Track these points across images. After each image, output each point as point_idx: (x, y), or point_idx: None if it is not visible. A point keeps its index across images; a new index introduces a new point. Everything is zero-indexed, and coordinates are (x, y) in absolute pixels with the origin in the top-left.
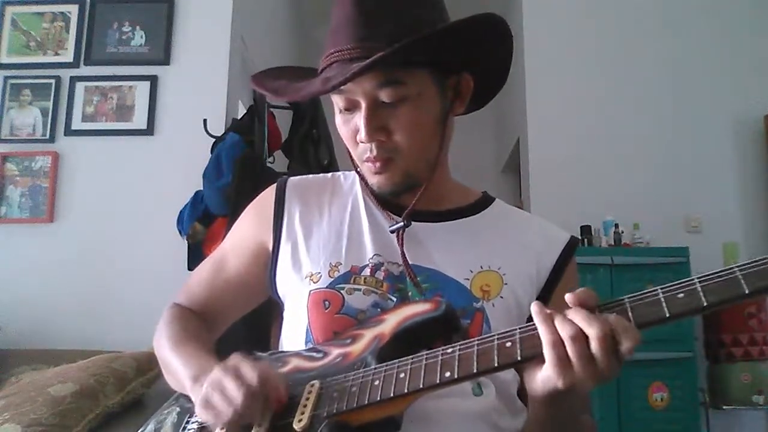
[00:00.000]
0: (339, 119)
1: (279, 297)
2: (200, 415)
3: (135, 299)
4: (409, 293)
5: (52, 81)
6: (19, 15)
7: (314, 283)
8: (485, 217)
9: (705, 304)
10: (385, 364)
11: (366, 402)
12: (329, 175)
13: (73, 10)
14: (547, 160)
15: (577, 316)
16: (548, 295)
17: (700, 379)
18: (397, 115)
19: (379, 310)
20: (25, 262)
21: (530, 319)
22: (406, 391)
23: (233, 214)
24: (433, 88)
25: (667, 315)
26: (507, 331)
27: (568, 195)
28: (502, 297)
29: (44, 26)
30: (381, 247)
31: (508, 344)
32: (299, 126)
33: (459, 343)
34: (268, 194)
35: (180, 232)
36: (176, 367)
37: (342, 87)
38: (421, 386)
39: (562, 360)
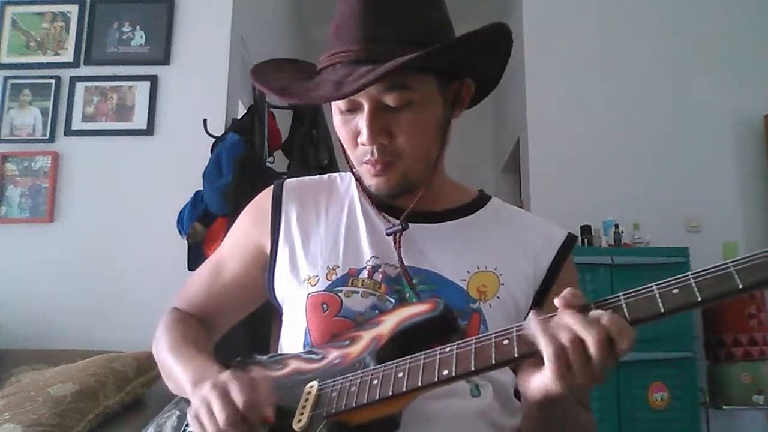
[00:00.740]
0: (338, 120)
1: (277, 300)
2: (191, 426)
3: (135, 299)
4: (407, 295)
5: (52, 81)
6: (19, 15)
7: (312, 286)
8: (481, 216)
9: (699, 299)
10: (383, 364)
11: (365, 401)
12: (325, 176)
13: (73, 10)
14: (547, 160)
15: (574, 322)
16: (546, 293)
17: (700, 379)
18: (401, 119)
19: (377, 312)
20: (25, 262)
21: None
22: (404, 389)
23: (233, 214)
24: (436, 93)
25: (662, 310)
26: (504, 329)
27: (568, 195)
28: (498, 297)
29: (44, 26)
30: (378, 250)
31: (505, 342)
32: (299, 126)
33: (456, 342)
34: (265, 197)
35: (180, 232)
36: (176, 373)
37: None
38: (419, 385)
39: (563, 368)
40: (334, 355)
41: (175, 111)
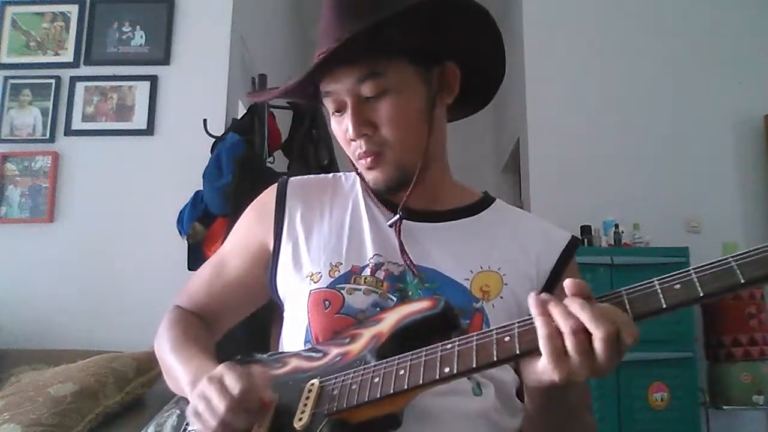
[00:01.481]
0: (333, 122)
1: (279, 297)
2: (191, 424)
3: (135, 299)
4: (410, 293)
5: (52, 81)
6: (19, 15)
7: (315, 282)
8: (486, 217)
9: (701, 294)
10: (384, 361)
11: (366, 399)
12: (330, 175)
13: (73, 10)
14: (547, 160)
15: (583, 313)
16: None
17: (700, 379)
18: (380, 107)
19: (378, 309)
20: (25, 262)
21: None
22: (405, 387)
23: (233, 214)
24: (415, 79)
25: (664, 306)
26: (505, 326)
27: (568, 195)
28: (501, 297)
29: (44, 26)
30: (381, 247)
31: (507, 338)
32: (299, 126)
33: (458, 338)
34: (269, 194)
35: (180, 232)
36: (176, 371)
37: (328, 89)
38: (420, 382)
39: (558, 352)
40: (334, 352)
41: (175, 111)
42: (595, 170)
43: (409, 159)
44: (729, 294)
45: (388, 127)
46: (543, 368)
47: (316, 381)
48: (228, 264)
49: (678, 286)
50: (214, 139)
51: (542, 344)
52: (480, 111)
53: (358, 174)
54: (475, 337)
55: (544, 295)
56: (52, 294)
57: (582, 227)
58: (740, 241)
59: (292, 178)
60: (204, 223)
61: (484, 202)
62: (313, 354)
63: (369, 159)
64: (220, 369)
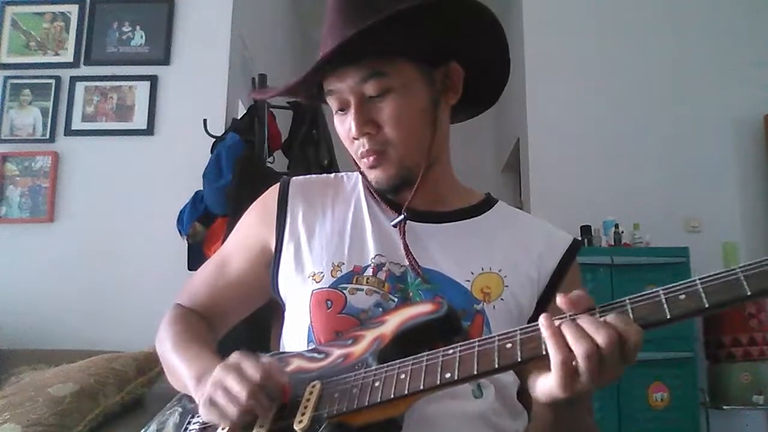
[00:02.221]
0: (336, 121)
1: (280, 297)
2: (204, 415)
3: (135, 299)
4: (411, 294)
5: (52, 81)
6: (19, 15)
7: (317, 282)
8: (488, 218)
9: (706, 305)
10: (385, 365)
11: (366, 403)
12: (332, 175)
13: (73, 10)
14: (547, 160)
15: (598, 336)
16: (549, 297)
17: (700, 379)
18: (384, 107)
19: (381, 310)
20: (25, 262)
21: (531, 320)
22: (406, 392)
23: (233, 214)
24: (418, 78)
25: (668, 317)
26: (508, 332)
27: (568, 195)
28: (502, 299)
29: (44, 26)
30: (383, 247)
31: (509, 345)
32: (299, 126)
33: (459, 344)
34: (271, 194)
35: (180, 232)
36: (179, 368)
37: (331, 87)
38: (421, 387)
39: (572, 375)
40: (336, 354)
41: (175, 111)
42: (595, 170)
43: (411, 159)
44: (735, 305)
45: (391, 126)
46: (550, 386)
47: (317, 383)
48: (230, 263)
49: (683, 297)
50: (214, 139)
51: (555, 368)
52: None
53: (361, 173)
54: (476, 343)
55: (556, 319)
56: (52, 294)
57: (582, 227)
58: (740, 241)
59: (294, 178)
60: (204, 223)
61: (486, 204)
62: (316, 355)
63: (372, 158)
64: (235, 357)
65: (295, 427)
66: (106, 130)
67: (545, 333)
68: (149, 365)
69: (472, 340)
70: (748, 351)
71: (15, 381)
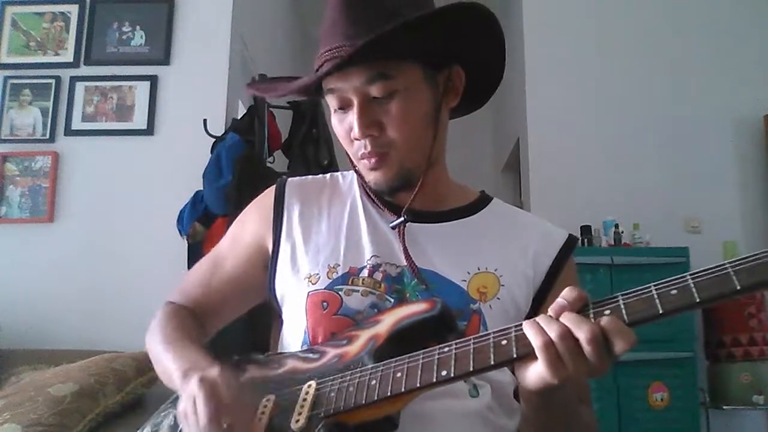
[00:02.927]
0: (334, 119)
1: (276, 298)
2: (180, 423)
3: (135, 299)
4: (407, 294)
5: (52, 81)
6: (19, 15)
7: (313, 284)
8: (483, 217)
9: (697, 300)
10: (381, 363)
11: (363, 401)
12: (328, 175)
13: (73, 10)
14: (547, 160)
15: (565, 318)
16: (545, 294)
17: (700, 379)
18: (388, 109)
19: (376, 310)
20: (25, 262)
21: (528, 318)
22: (402, 390)
23: (233, 214)
24: (423, 82)
25: (660, 311)
26: (502, 329)
27: (568, 195)
28: (498, 298)
29: (44, 26)
30: (379, 248)
31: (504, 342)
32: (299, 126)
33: (455, 341)
34: (268, 195)
35: (180, 232)
36: (167, 363)
37: (333, 86)
38: (417, 385)
39: (554, 359)
40: (332, 354)
41: (175, 111)
42: (595, 170)
43: (413, 161)
44: (726, 300)
45: (395, 128)
46: (540, 373)
47: (313, 382)
48: (225, 262)
49: (674, 292)
50: (214, 139)
51: (538, 354)
52: (480, 111)
53: (357, 173)
54: (472, 341)
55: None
56: (52, 294)
57: (582, 227)
58: (740, 240)
59: (290, 179)
60: (204, 223)
61: (481, 202)
62: (311, 355)
63: (373, 160)
64: (213, 372)
65: (292, 427)
66: (106, 130)
67: (525, 325)
68: (149, 365)
69: (467, 338)
70: (748, 351)
71: (15, 381)
